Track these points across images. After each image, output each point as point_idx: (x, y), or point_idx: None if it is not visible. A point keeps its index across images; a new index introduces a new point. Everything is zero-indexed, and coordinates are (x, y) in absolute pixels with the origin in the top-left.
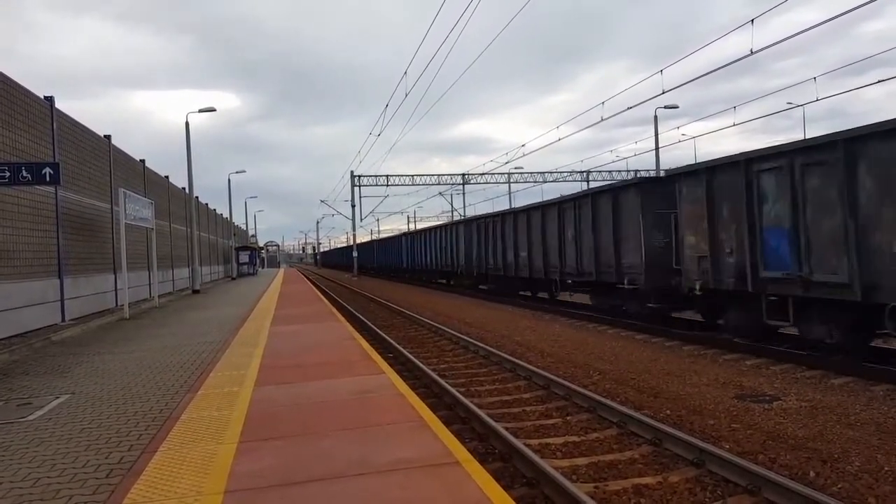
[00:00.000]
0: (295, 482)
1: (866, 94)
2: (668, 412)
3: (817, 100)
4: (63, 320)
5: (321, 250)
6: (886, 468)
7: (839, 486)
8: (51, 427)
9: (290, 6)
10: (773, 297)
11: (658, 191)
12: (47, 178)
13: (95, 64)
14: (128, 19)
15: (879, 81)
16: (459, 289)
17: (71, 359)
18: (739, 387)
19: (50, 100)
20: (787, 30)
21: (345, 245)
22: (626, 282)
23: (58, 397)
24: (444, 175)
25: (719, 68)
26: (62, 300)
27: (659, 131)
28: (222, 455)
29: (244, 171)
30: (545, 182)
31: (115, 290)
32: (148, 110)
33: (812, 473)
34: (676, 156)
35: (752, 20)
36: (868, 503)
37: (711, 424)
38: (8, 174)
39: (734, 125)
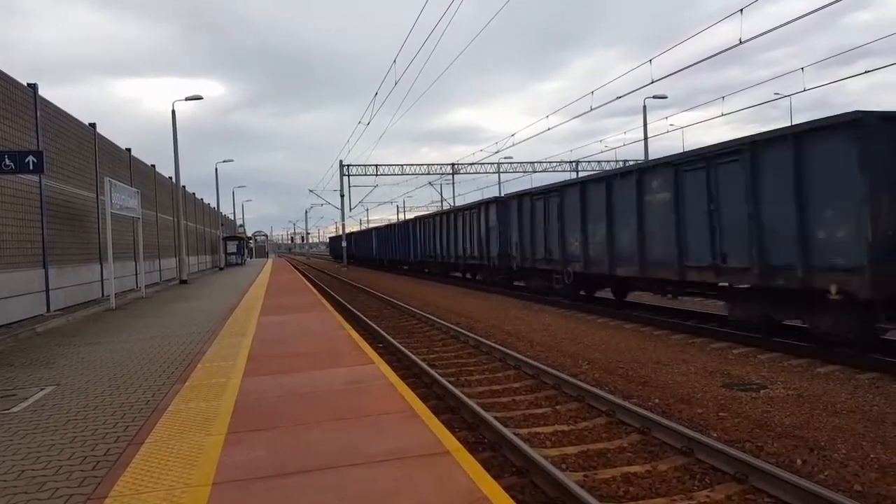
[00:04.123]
0: (284, 473)
1: (852, 85)
2: (657, 401)
3: (804, 90)
4: (48, 311)
5: (315, 239)
6: (872, 455)
7: (826, 473)
8: (36, 419)
9: None
10: (540, 269)
11: (505, 206)
12: (31, 167)
13: (79, 51)
14: (111, 5)
15: (867, 72)
16: (447, 279)
17: (56, 350)
18: (727, 375)
19: (33, 87)
20: (776, 20)
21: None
22: (490, 264)
23: (43, 389)
24: (433, 164)
25: (708, 58)
26: (47, 290)
27: (648, 121)
28: (210, 446)
29: (231, 161)
30: (534, 172)
31: (101, 280)
32: (133, 98)
33: (799, 461)
34: (665, 145)
35: (742, 10)
36: (854, 490)
37: (699, 413)
38: None
39: (722, 115)
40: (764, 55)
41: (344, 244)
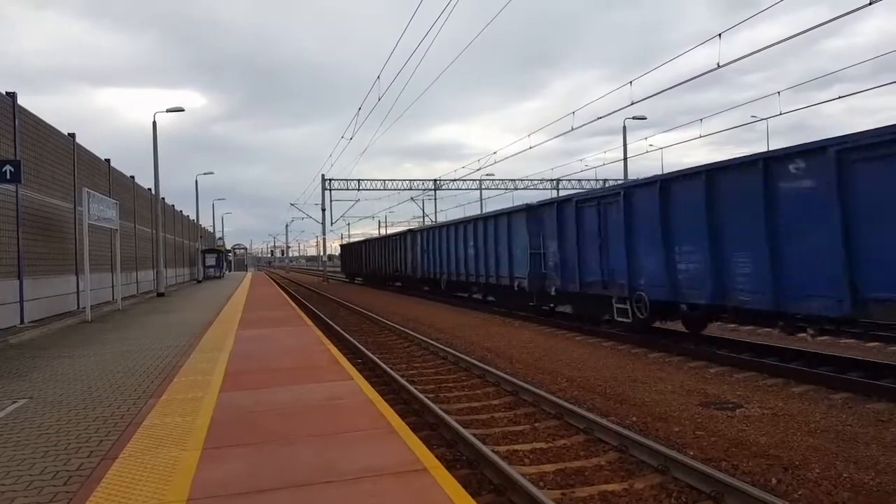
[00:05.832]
0: (260, 490)
1: (828, 109)
2: (635, 419)
3: (780, 114)
4: (22, 322)
5: (296, 253)
6: (845, 475)
7: (800, 492)
8: (7, 433)
9: (259, 3)
10: (431, 278)
11: (414, 236)
12: (7, 177)
13: (60, 60)
14: (90, 13)
15: (840, 97)
16: (431, 295)
17: (30, 362)
18: (704, 394)
19: (12, 96)
20: (753, 44)
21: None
22: (408, 274)
23: (15, 402)
24: (416, 180)
25: (686, 81)
26: (21, 302)
27: (627, 141)
28: (186, 462)
29: (212, 173)
30: (516, 189)
31: (77, 292)
32: (112, 108)
33: (774, 480)
34: (644, 165)
35: (720, 34)
36: None
37: (676, 431)
38: None
39: (700, 137)
40: (742, 78)
41: (324, 258)
